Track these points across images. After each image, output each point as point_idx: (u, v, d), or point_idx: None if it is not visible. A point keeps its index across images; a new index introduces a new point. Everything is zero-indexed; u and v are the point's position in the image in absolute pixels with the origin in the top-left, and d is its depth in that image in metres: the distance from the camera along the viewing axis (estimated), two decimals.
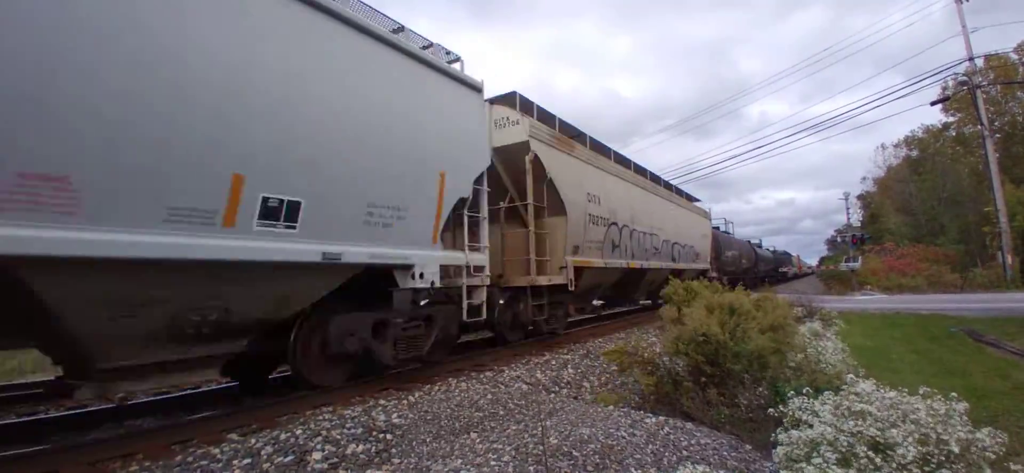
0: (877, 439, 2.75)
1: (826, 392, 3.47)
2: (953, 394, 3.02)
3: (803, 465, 2.83)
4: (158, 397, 6.02)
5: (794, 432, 3.13)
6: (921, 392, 3.06)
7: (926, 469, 2.59)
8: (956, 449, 2.61)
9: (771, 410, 3.77)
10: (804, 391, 3.72)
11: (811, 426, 3.08)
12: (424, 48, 6.23)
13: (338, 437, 4.08)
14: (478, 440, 4.11)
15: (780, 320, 5.50)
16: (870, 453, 2.67)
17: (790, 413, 3.44)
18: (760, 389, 4.82)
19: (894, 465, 2.60)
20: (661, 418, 4.61)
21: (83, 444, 3.94)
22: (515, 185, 8.52)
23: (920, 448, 2.63)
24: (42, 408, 5.74)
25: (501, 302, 7.83)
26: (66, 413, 5.40)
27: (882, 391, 3.18)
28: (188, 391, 6.29)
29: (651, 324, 11.69)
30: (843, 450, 2.77)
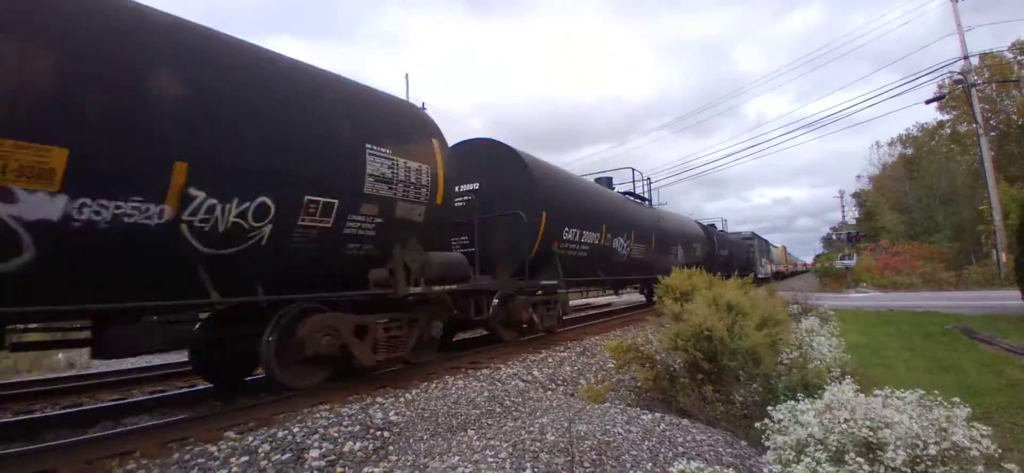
0: (869, 439, 2.75)
1: (804, 402, 3.44)
2: (956, 399, 3.01)
3: (793, 467, 2.84)
4: (154, 396, 6.02)
5: (780, 437, 3.15)
6: (919, 394, 3.06)
7: (917, 469, 2.60)
8: (933, 451, 2.60)
9: (763, 421, 3.76)
10: (798, 396, 3.73)
11: (796, 430, 3.09)
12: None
13: (335, 435, 4.08)
14: (475, 437, 4.13)
15: (772, 312, 5.51)
16: (858, 459, 2.67)
17: (776, 423, 3.42)
18: (754, 385, 4.85)
19: (882, 469, 2.62)
20: (657, 415, 4.64)
21: (80, 442, 3.94)
22: None
23: (909, 451, 2.63)
24: (38, 407, 5.74)
25: None
26: (62, 411, 5.40)
27: (862, 398, 3.16)
28: (185, 390, 6.29)
29: (647, 322, 11.71)
30: (833, 449, 2.78)
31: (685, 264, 15.10)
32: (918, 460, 2.61)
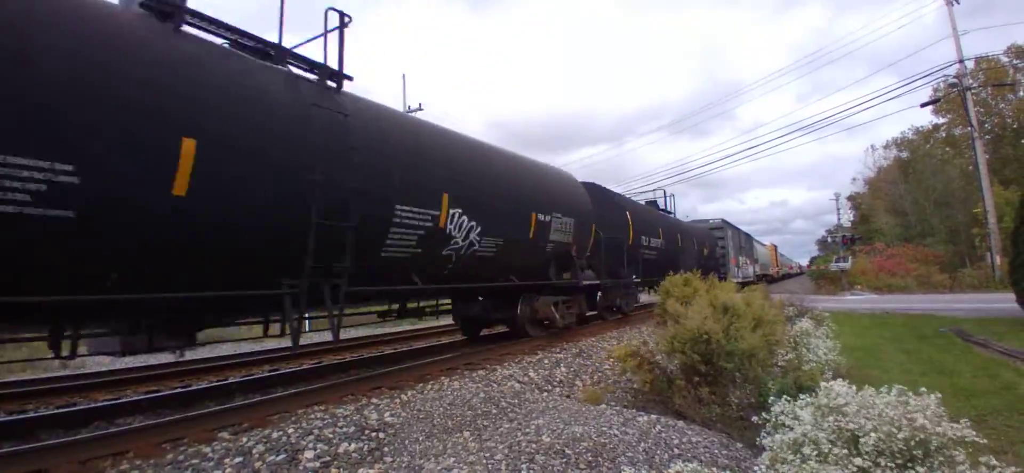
0: (856, 433, 2.80)
1: (804, 396, 3.51)
2: (922, 389, 3.04)
3: (788, 457, 2.88)
4: (148, 396, 5.98)
5: (778, 436, 3.17)
6: (895, 391, 3.10)
7: (898, 462, 2.63)
8: (900, 437, 2.66)
9: (755, 419, 3.81)
10: (785, 398, 3.76)
11: (792, 429, 3.12)
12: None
13: (330, 436, 4.07)
14: (471, 438, 4.12)
15: (765, 313, 5.53)
16: (842, 450, 2.73)
17: (773, 417, 3.47)
18: (750, 387, 4.86)
19: (856, 450, 2.67)
20: (653, 416, 4.64)
21: (74, 442, 3.91)
22: None
23: (879, 435, 2.70)
24: (32, 406, 5.70)
25: None
26: (56, 411, 5.36)
27: (853, 390, 3.22)
28: (178, 390, 6.26)
29: (643, 323, 11.72)
30: (824, 447, 2.83)
31: (537, 262, 8.75)
32: (890, 443, 2.66)
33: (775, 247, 52.23)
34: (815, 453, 2.79)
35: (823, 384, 3.49)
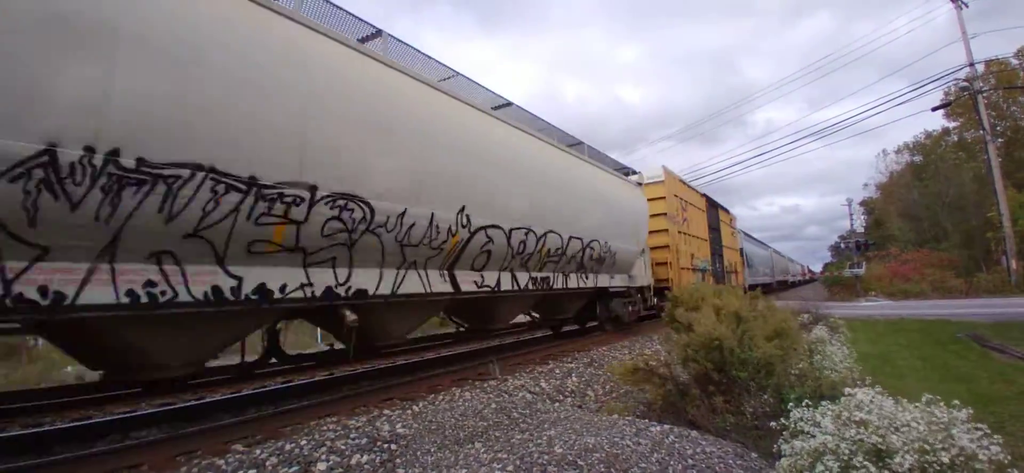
0: (879, 446, 2.74)
1: (825, 402, 3.46)
2: (955, 402, 2.99)
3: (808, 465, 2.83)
4: (163, 408, 6.02)
5: (797, 442, 3.12)
6: (924, 400, 3.04)
7: None
8: (945, 459, 2.58)
9: (773, 424, 3.76)
10: (805, 402, 3.72)
11: (813, 436, 3.07)
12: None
13: (343, 447, 4.08)
14: (482, 449, 4.11)
15: (783, 325, 5.48)
16: (868, 464, 2.67)
17: (792, 424, 3.43)
18: (765, 396, 4.80)
19: (884, 465, 2.61)
20: (666, 426, 4.60)
21: (88, 455, 3.95)
22: None
23: (920, 457, 2.62)
24: (48, 419, 5.75)
25: None
26: (70, 425, 5.41)
27: (881, 399, 3.16)
28: (192, 402, 6.29)
29: (653, 332, 11.66)
30: (845, 458, 2.77)
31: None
32: (928, 465, 2.58)
33: (738, 230, 26.17)
34: (838, 465, 2.73)
35: (847, 390, 3.44)
